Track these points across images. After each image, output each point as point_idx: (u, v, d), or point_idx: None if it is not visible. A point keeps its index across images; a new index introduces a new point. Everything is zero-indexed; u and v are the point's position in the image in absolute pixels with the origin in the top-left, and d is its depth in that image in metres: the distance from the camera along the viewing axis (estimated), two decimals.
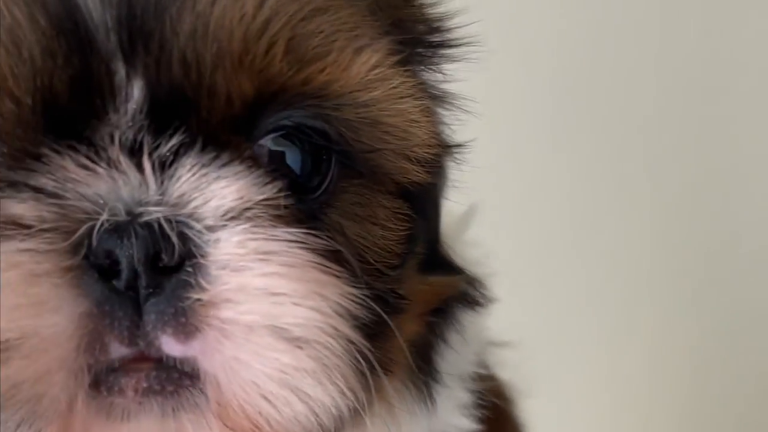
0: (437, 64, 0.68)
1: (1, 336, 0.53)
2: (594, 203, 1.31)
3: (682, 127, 1.32)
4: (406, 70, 0.61)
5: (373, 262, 0.62)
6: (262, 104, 0.58)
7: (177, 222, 0.54)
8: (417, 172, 0.64)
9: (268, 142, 0.59)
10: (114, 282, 0.54)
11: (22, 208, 0.54)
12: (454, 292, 0.73)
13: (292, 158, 0.60)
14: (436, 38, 0.69)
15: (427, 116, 0.62)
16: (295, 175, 0.60)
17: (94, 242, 0.54)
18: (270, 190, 0.56)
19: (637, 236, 1.31)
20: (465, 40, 0.69)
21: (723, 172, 1.31)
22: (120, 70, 0.55)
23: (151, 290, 0.54)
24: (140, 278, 0.54)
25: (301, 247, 0.56)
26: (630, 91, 1.30)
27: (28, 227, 0.54)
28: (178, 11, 0.55)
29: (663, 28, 1.30)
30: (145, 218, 0.54)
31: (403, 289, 0.65)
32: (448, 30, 0.69)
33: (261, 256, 0.55)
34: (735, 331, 1.29)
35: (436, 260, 0.72)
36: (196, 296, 0.54)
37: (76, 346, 0.53)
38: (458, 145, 0.67)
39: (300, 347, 0.54)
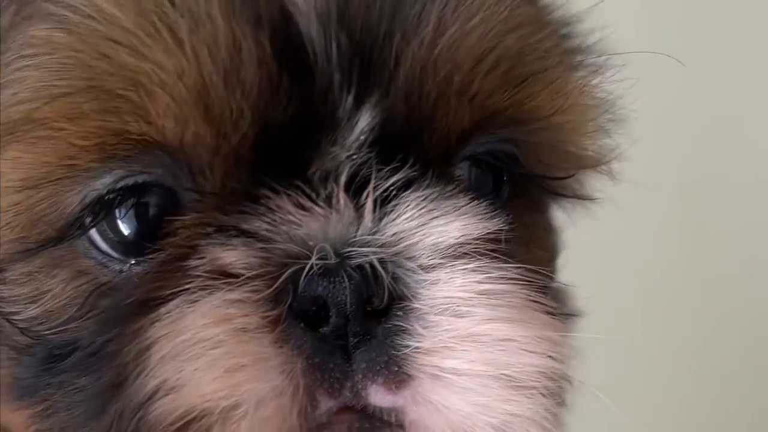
0: None
1: (216, 405, 0.47)
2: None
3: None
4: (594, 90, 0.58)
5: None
6: (470, 133, 0.54)
7: (390, 262, 0.49)
8: (578, 188, 0.62)
9: (459, 168, 0.55)
10: (322, 330, 0.49)
11: (231, 255, 0.48)
12: None
13: (477, 184, 0.57)
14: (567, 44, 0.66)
15: (605, 135, 0.60)
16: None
17: (301, 288, 0.49)
18: (493, 225, 0.52)
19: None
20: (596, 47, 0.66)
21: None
22: (344, 102, 0.50)
23: (360, 337, 0.49)
24: (350, 325, 0.49)
25: (520, 285, 0.52)
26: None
27: (235, 276, 0.48)
28: (403, 41, 0.50)
29: None
30: (357, 260, 0.49)
31: None
32: (580, 36, 0.66)
33: (484, 299, 0.50)
34: None
35: None
36: (412, 343, 0.50)
37: (298, 408, 0.48)
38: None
39: (529, 396, 0.51)
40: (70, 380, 0.51)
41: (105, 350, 0.50)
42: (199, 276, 0.48)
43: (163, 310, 0.48)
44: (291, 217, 0.49)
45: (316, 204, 0.49)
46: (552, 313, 0.53)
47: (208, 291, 0.48)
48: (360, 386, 0.49)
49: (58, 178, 0.50)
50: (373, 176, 0.50)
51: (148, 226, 0.51)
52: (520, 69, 0.53)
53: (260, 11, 0.49)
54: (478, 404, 0.50)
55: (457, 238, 0.51)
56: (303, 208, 0.49)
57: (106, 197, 0.51)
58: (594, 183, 0.64)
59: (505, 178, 0.58)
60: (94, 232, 0.52)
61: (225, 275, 0.48)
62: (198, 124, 0.48)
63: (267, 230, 0.49)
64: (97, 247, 0.52)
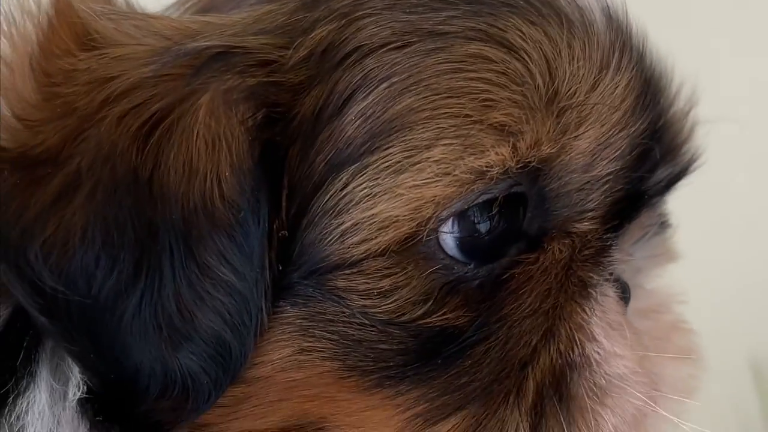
0: None
1: (624, 372, 0.62)
2: None
3: None
4: None
5: None
6: None
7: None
8: None
9: None
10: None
11: (618, 260, 0.65)
12: None
13: None
14: None
15: None
16: None
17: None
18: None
19: None
20: None
21: None
22: (654, 158, 0.66)
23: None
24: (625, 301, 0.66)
25: None
26: None
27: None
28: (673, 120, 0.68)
29: None
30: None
31: None
32: None
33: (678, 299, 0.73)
34: None
35: None
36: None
37: None
38: None
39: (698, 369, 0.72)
40: (458, 362, 0.59)
41: (501, 332, 0.59)
42: (606, 270, 0.62)
43: (593, 296, 0.61)
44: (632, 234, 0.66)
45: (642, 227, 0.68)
46: None
47: (609, 284, 0.63)
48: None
49: (490, 179, 0.58)
50: (661, 212, 0.70)
51: (504, 233, 0.60)
52: None
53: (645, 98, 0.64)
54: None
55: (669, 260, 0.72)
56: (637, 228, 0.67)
57: (493, 201, 0.59)
58: None
59: None
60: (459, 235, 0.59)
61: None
62: (614, 149, 0.62)
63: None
64: (443, 250, 0.59)
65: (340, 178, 0.57)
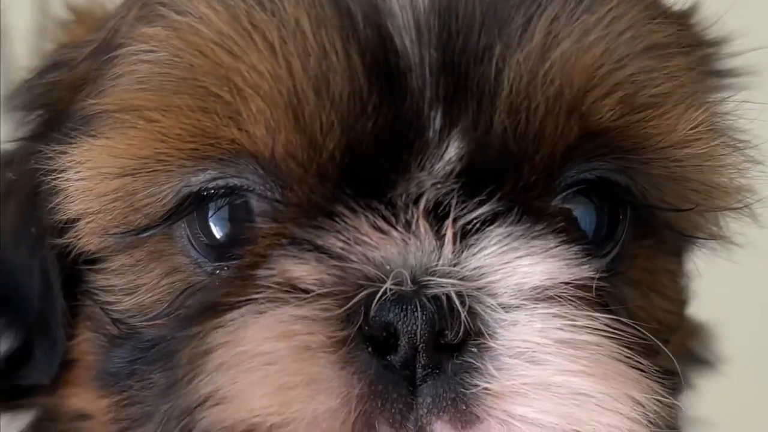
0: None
1: (265, 421, 0.45)
2: None
3: None
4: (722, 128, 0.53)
5: (649, 340, 0.52)
6: (575, 150, 0.49)
7: (468, 296, 0.46)
8: (710, 228, 0.56)
9: (558, 200, 0.51)
10: (389, 358, 0.46)
11: (302, 269, 0.47)
12: (687, 346, 0.64)
13: (586, 219, 0.52)
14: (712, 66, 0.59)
15: (736, 172, 0.53)
16: (585, 239, 0.52)
17: (372, 312, 0.46)
18: (585, 271, 0.48)
19: None
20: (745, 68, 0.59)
21: None
22: (435, 123, 0.47)
23: (429, 370, 0.46)
24: (419, 356, 0.46)
25: (607, 337, 0.47)
26: None
27: (305, 291, 0.47)
28: (504, 56, 0.47)
29: None
30: (433, 291, 0.46)
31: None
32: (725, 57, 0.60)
33: (565, 348, 0.46)
34: None
35: None
36: (483, 384, 0.46)
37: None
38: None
39: None
40: (148, 375, 0.52)
41: (176, 349, 0.50)
42: (269, 287, 0.47)
43: (227, 317, 0.47)
44: (366, 238, 0.47)
45: (394, 228, 0.47)
46: (643, 370, 0.48)
47: (276, 304, 0.46)
48: (425, 420, 0.47)
49: (153, 170, 0.50)
50: (452, 207, 0.47)
51: (238, 231, 0.51)
52: (641, 97, 0.49)
53: (352, 22, 0.47)
54: None
55: (541, 281, 0.47)
56: (380, 230, 0.47)
57: (200, 194, 0.51)
58: (734, 225, 0.57)
59: (621, 216, 0.53)
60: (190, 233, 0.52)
61: (296, 289, 0.47)
62: (288, 134, 0.47)
63: (341, 248, 0.47)
64: (193, 247, 0.52)
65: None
